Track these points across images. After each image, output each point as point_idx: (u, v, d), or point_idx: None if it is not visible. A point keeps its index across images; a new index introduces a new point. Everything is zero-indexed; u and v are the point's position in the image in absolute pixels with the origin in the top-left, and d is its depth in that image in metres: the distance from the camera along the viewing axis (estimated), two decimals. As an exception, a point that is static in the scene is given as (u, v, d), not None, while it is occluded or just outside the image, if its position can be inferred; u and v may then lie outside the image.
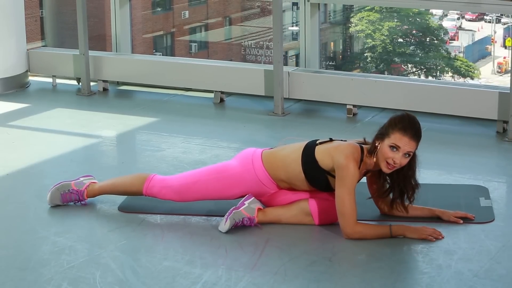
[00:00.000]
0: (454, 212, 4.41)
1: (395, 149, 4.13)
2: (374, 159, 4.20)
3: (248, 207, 4.31)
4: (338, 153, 4.20)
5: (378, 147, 4.17)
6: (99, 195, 4.66)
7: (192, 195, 4.44)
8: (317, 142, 4.33)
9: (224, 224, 4.27)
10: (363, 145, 4.26)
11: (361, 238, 4.17)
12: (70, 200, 4.64)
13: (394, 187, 4.30)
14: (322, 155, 4.26)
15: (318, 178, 4.29)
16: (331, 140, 4.33)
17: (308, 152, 4.30)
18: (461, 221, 4.35)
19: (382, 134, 4.18)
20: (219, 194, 4.42)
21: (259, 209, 4.34)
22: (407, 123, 4.16)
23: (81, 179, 4.69)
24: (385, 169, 4.17)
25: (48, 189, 4.67)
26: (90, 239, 4.27)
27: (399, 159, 4.13)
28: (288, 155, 4.35)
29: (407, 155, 4.15)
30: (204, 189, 4.41)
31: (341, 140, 4.33)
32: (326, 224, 4.32)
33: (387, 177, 4.29)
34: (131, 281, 3.79)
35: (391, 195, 4.35)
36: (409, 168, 4.24)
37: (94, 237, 4.32)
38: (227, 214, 4.29)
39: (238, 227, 4.29)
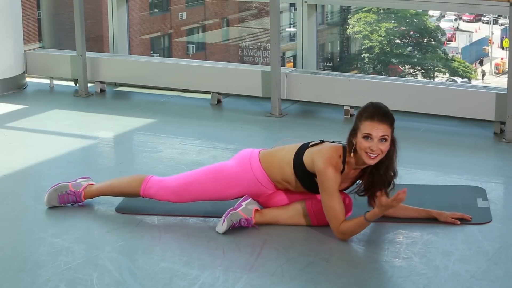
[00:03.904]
0: (451, 213, 4.41)
1: (369, 138, 4.10)
2: (356, 157, 4.17)
3: (245, 208, 4.31)
4: (318, 157, 4.19)
5: (355, 143, 4.15)
6: (97, 197, 4.66)
7: (190, 196, 4.44)
8: (310, 144, 4.33)
9: (222, 225, 4.27)
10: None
11: (350, 236, 4.17)
12: (68, 202, 4.64)
13: (376, 180, 4.24)
14: (307, 159, 4.26)
15: (307, 181, 4.30)
16: (322, 142, 4.32)
17: (299, 155, 4.30)
18: (458, 222, 4.36)
19: (354, 130, 4.17)
20: (216, 194, 4.42)
21: (256, 210, 4.34)
22: (372, 110, 4.15)
23: (79, 180, 4.70)
24: (369, 161, 4.13)
25: (45, 190, 4.67)
26: (87, 240, 4.27)
27: (375, 146, 4.09)
28: (284, 157, 4.35)
29: (383, 140, 4.12)
30: (202, 189, 4.41)
31: (332, 142, 4.32)
32: (323, 225, 4.32)
33: (368, 176, 4.25)
34: (128, 282, 3.79)
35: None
36: (389, 158, 4.21)
37: (92, 238, 4.31)
38: (224, 215, 4.29)
39: (236, 228, 4.29)
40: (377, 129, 4.10)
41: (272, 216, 4.37)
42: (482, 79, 10.67)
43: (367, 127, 4.11)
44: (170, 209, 4.56)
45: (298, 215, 4.34)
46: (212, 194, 4.42)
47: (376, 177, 4.24)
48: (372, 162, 4.14)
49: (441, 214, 4.39)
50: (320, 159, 4.17)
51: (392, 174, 4.26)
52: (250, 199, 4.35)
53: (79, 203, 4.66)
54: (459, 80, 10.19)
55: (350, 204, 4.35)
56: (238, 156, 4.46)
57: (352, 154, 4.18)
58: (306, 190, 4.34)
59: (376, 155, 4.12)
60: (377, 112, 4.14)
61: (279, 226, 4.35)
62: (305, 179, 4.30)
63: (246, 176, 4.36)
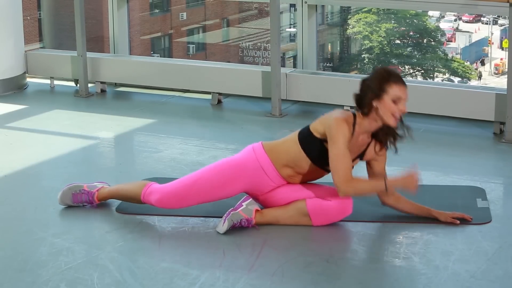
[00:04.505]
0: (451, 213, 4.42)
1: (399, 101, 4.23)
2: (370, 120, 4.26)
3: (246, 209, 4.32)
4: (329, 117, 4.30)
5: (376, 106, 4.23)
6: (108, 199, 4.65)
7: (194, 197, 4.40)
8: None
9: (222, 225, 4.28)
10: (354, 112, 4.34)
11: (356, 194, 4.25)
12: (81, 201, 4.62)
13: (387, 137, 4.38)
14: (315, 125, 4.34)
15: (315, 150, 4.30)
16: None
17: (304, 129, 4.38)
18: (458, 222, 4.36)
19: (377, 93, 4.23)
20: (220, 191, 4.38)
21: (256, 211, 4.34)
22: (395, 74, 4.29)
23: (95, 183, 4.68)
24: (392, 123, 4.25)
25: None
26: (88, 240, 4.27)
27: (404, 108, 4.25)
28: (287, 139, 4.41)
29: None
30: (208, 186, 4.37)
31: None
32: (323, 225, 4.32)
33: (379, 137, 4.37)
34: (128, 282, 3.80)
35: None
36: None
37: (92, 238, 4.32)
38: (225, 215, 4.29)
39: (236, 228, 4.30)
40: (405, 93, 4.25)
41: (273, 216, 4.38)
42: (479, 80, 10.68)
43: (397, 90, 4.22)
44: (170, 210, 4.56)
45: (299, 214, 4.35)
46: (217, 191, 4.38)
47: (386, 132, 4.36)
48: (395, 123, 4.27)
49: (441, 214, 4.40)
50: (331, 118, 4.27)
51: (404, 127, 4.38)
52: (251, 199, 4.36)
53: (91, 204, 4.63)
54: (456, 80, 10.20)
55: (350, 204, 4.35)
56: (242, 150, 4.47)
57: (365, 117, 4.28)
58: (314, 163, 4.31)
59: (399, 116, 4.26)
60: (400, 77, 4.29)
61: (279, 226, 4.35)
62: (313, 149, 4.30)
63: (250, 164, 4.35)
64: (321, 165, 4.35)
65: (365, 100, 4.27)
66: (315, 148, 4.31)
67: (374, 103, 4.24)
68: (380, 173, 4.44)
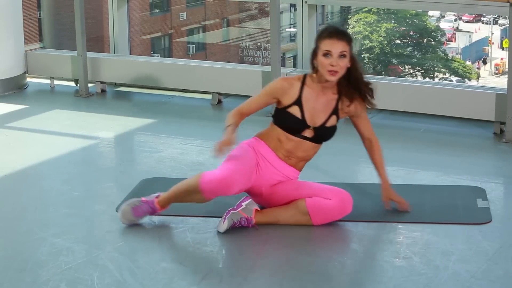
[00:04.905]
0: (397, 197, 4.51)
1: (329, 55, 4.28)
2: (320, 78, 4.35)
3: (246, 208, 4.32)
4: None
5: (317, 64, 4.33)
6: (170, 203, 4.42)
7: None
8: None
9: (222, 224, 4.28)
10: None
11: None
12: (143, 212, 4.39)
13: (353, 91, 4.45)
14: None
15: (280, 118, 4.42)
16: None
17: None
18: (405, 204, 4.49)
19: (314, 52, 4.36)
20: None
21: (256, 210, 4.34)
22: (329, 29, 4.35)
23: (152, 196, 4.50)
24: (330, 78, 4.31)
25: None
26: (88, 240, 4.27)
27: (335, 61, 4.28)
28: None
29: (343, 56, 4.29)
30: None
31: None
32: (323, 224, 4.32)
33: (344, 90, 4.44)
34: (129, 282, 3.80)
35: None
36: (355, 71, 4.38)
37: (92, 238, 4.32)
38: (225, 214, 4.29)
39: (236, 228, 4.30)
40: (336, 46, 4.28)
41: (272, 216, 4.37)
42: (477, 81, 10.68)
43: (326, 44, 4.29)
44: (170, 209, 4.56)
45: (299, 214, 4.35)
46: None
47: (352, 86, 4.43)
48: (333, 78, 4.32)
49: (387, 192, 4.54)
50: None
51: (366, 83, 4.45)
52: (251, 199, 4.36)
53: (155, 213, 4.42)
54: (454, 79, 10.20)
55: (350, 203, 4.35)
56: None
57: (314, 75, 4.38)
58: (287, 131, 4.39)
59: (336, 71, 4.29)
60: (335, 31, 4.34)
61: (279, 226, 4.35)
62: (280, 119, 4.43)
63: (248, 152, 4.40)
64: (293, 133, 4.40)
65: (310, 60, 4.41)
66: (281, 117, 4.42)
67: (314, 62, 4.37)
68: (367, 134, 4.63)
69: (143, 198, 4.42)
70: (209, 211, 4.53)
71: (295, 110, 4.38)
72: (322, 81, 4.37)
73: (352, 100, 4.46)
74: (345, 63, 4.31)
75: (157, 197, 4.41)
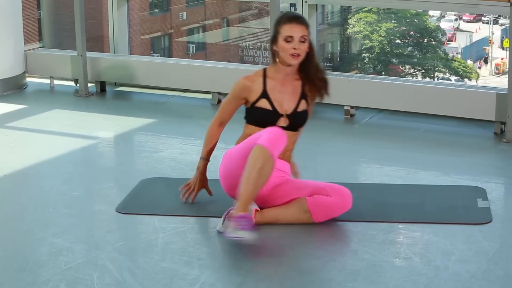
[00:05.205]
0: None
1: (290, 40, 4.37)
2: (279, 63, 4.43)
3: None
4: None
5: (278, 50, 4.40)
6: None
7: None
8: None
9: (222, 224, 4.27)
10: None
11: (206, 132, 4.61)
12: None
13: (310, 81, 4.51)
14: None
15: (250, 115, 4.50)
16: None
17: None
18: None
19: (274, 38, 4.44)
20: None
21: (256, 211, 4.33)
22: (289, 15, 4.47)
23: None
24: (293, 61, 4.40)
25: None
26: (87, 240, 4.27)
27: (297, 45, 4.37)
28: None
29: (303, 40, 4.39)
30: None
31: None
32: (323, 225, 4.31)
33: (303, 77, 4.50)
34: (128, 282, 3.79)
35: None
36: (313, 56, 4.47)
37: (92, 238, 4.31)
38: (224, 213, 4.28)
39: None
40: (297, 30, 4.38)
41: (272, 215, 4.37)
42: (477, 81, 10.68)
43: (287, 29, 4.38)
44: (170, 209, 4.56)
45: (299, 211, 4.34)
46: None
47: (312, 75, 4.50)
48: (295, 62, 4.40)
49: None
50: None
51: (322, 71, 4.53)
52: None
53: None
54: (453, 79, 10.20)
55: (349, 199, 4.36)
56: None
57: (275, 65, 4.46)
58: (261, 126, 4.41)
59: (298, 54, 4.37)
60: (294, 16, 4.45)
61: (279, 226, 4.35)
62: (250, 116, 4.49)
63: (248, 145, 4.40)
64: (269, 126, 4.40)
65: (269, 47, 4.49)
66: (253, 114, 4.48)
67: (274, 47, 4.43)
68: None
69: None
70: (209, 211, 4.53)
71: (264, 103, 4.45)
72: (284, 68, 4.45)
73: (311, 86, 4.53)
74: (305, 47, 4.40)
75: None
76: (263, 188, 4.35)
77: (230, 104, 4.56)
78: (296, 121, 4.48)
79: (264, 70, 4.50)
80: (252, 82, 4.47)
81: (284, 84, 4.47)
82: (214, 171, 4.61)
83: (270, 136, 4.23)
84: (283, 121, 4.44)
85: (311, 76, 4.48)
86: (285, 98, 4.46)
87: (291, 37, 4.36)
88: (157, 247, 4.18)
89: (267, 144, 4.19)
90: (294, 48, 4.36)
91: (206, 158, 4.61)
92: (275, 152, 4.21)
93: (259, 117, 4.45)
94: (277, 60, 4.44)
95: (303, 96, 4.49)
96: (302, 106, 4.49)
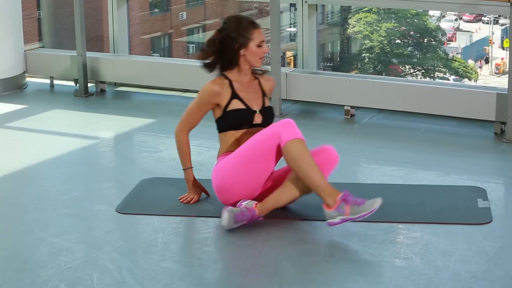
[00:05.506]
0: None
1: (262, 44, 4.53)
2: (243, 66, 4.53)
3: (246, 205, 4.31)
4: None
5: (246, 54, 4.50)
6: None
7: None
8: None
9: (223, 218, 4.24)
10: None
11: (176, 142, 4.66)
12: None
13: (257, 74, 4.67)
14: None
15: (222, 123, 4.55)
16: None
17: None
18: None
19: (242, 43, 4.48)
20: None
21: (256, 204, 4.33)
22: (249, 20, 4.58)
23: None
24: (260, 64, 4.58)
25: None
26: (87, 240, 4.27)
27: (267, 48, 4.61)
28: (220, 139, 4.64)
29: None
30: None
31: None
32: (323, 224, 4.31)
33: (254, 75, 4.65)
34: (128, 283, 3.79)
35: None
36: None
37: (92, 238, 4.31)
38: (223, 209, 4.28)
39: (236, 228, 4.28)
40: (263, 34, 4.56)
41: (272, 200, 4.36)
42: (475, 82, 10.68)
43: (259, 35, 4.53)
44: (170, 209, 4.56)
45: (294, 184, 4.35)
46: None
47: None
48: (261, 64, 4.58)
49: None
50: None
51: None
52: (248, 200, 4.35)
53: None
54: (451, 78, 10.20)
55: (332, 150, 4.45)
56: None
57: (235, 68, 4.54)
58: (236, 129, 4.50)
59: (264, 56, 4.58)
60: (253, 21, 4.58)
61: (279, 227, 4.34)
62: (222, 124, 4.55)
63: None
64: (246, 125, 4.50)
65: (229, 52, 4.50)
66: (229, 118, 4.51)
67: (242, 52, 4.49)
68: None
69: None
70: (209, 211, 4.52)
71: (236, 104, 4.51)
72: (246, 70, 4.55)
73: (261, 78, 4.66)
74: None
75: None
76: (266, 183, 4.39)
77: (200, 110, 4.58)
78: (268, 116, 4.59)
79: (224, 75, 4.56)
80: (220, 86, 4.52)
81: (247, 85, 4.58)
82: (199, 170, 4.60)
83: (288, 129, 4.29)
84: (257, 118, 4.54)
85: (256, 70, 4.64)
86: (252, 97, 4.57)
87: (263, 41, 4.52)
88: (157, 247, 4.17)
89: (293, 135, 4.27)
90: (266, 52, 4.54)
91: (189, 167, 4.66)
92: (301, 136, 4.30)
93: (235, 118, 4.51)
94: (240, 63, 4.53)
95: (263, 93, 4.63)
96: (267, 102, 4.62)
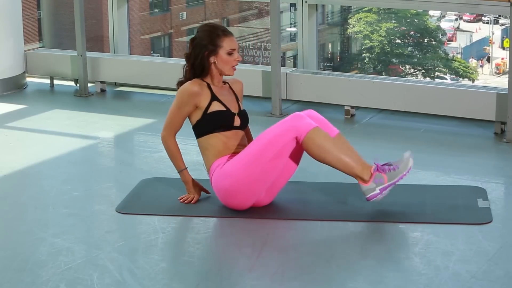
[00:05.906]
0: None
1: (232, 52, 4.54)
2: (215, 73, 4.56)
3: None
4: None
5: (217, 61, 4.52)
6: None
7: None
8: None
9: (410, 160, 4.38)
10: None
11: (164, 146, 4.67)
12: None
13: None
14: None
15: (201, 126, 4.57)
16: None
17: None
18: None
19: (211, 50, 4.51)
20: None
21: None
22: (221, 28, 4.58)
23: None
24: (233, 73, 4.59)
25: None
26: (87, 240, 4.27)
27: (240, 57, 4.58)
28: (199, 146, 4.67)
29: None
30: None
31: None
32: (323, 224, 4.30)
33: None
34: (128, 283, 3.79)
35: None
36: None
37: (92, 238, 4.31)
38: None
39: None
40: (235, 43, 4.56)
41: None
42: (473, 82, 10.67)
43: (229, 43, 4.54)
44: (170, 209, 4.56)
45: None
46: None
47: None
48: (233, 73, 4.59)
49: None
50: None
51: None
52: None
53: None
54: (448, 77, 10.19)
55: (299, 115, 4.45)
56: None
57: (209, 73, 4.57)
58: (217, 131, 4.52)
59: (236, 65, 4.58)
60: (226, 29, 4.59)
61: (279, 227, 4.35)
62: (201, 128, 4.57)
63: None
64: (228, 127, 4.52)
65: (200, 59, 4.53)
66: (210, 121, 4.52)
67: (212, 59, 4.52)
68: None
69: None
70: (209, 211, 4.52)
71: (217, 106, 4.54)
72: (219, 77, 4.58)
73: (232, 83, 4.71)
74: None
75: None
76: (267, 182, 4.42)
77: (182, 111, 4.60)
78: (245, 119, 4.62)
79: (200, 79, 4.58)
80: (199, 87, 4.53)
81: (221, 90, 4.61)
82: (200, 170, 4.60)
83: (303, 121, 4.35)
84: (236, 121, 4.56)
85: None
86: (228, 100, 4.60)
87: (234, 49, 4.53)
88: (157, 247, 4.17)
89: (310, 125, 4.32)
90: (238, 60, 4.55)
91: (184, 168, 4.66)
92: (315, 124, 4.35)
93: (217, 120, 4.52)
94: (211, 71, 4.55)
95: (236, 97, 4.66)
96: (241, 105, 4.66)
